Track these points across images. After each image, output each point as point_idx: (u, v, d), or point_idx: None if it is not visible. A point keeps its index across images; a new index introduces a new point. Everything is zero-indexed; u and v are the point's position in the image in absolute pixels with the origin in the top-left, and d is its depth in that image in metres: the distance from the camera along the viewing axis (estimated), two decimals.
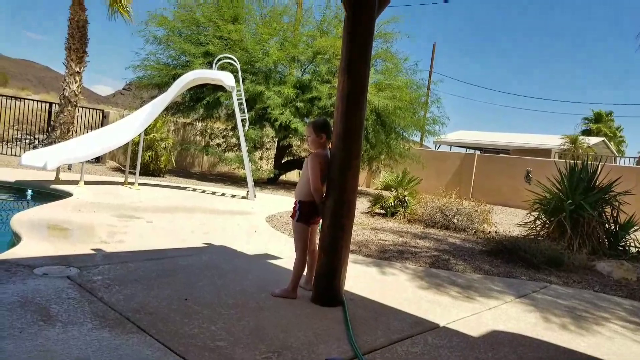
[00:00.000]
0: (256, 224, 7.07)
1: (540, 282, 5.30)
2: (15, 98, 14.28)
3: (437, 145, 26.67)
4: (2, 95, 13.84)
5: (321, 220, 3.75)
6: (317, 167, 3.67)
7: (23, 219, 5.28)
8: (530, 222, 8.16)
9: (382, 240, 6.81)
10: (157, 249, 4.79)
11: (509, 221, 11.16)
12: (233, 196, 10.30)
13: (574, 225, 7.29)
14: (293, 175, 17.44)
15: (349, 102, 3.64)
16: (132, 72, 13.55)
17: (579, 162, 8.13)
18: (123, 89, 58.94)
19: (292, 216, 3.84)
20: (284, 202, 10.05)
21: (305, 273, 3.89)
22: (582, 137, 25.33)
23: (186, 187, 10.93)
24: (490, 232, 8.52)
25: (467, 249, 6.88)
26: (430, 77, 26.18)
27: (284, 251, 5.22)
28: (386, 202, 9.34)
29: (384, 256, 5.72)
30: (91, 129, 13.88)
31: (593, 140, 26.19)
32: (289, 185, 14.55)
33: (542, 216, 8.00)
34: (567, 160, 12.38)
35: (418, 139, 20.55)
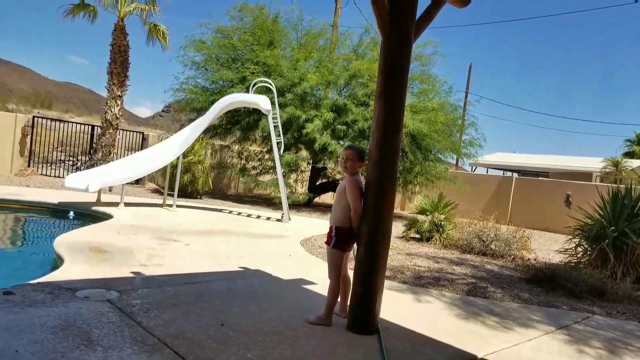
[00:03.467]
0: (291, 248, 7.07)
1: (582, 313, 5.06)
2: (59, 120, 14.95)
3: (474, 168, 26.21)
4: (46, 118, 14.52)
5: (355, 246, 3.72)
6: (357, 191, 3.65)
7: (65, 241, 5.46)
8: (571, 248, 7.85)
9: (418, 266, 6.68)
10: (195, 272, 4.85)
11: (549, 247, 10.77)
12: (268, 219, 10.37)
13: (617, 253, 6.97)
14: (327, 198, 17.45)
15: (385, 128, 3.63)
16: (171, 95, 13.98)
17: (622, 186, 7.81)
18: (162, 110, 60.85)
19: (327, 242, 3.81)
20: (318, 225, 10.04)
21: (340, 300, 3.85)
22: (624, 160, 24.36)
23: (222, 210, 11.09)
24: (529, 258, 8.24)
25: (505, 276, 6.66)
26: (466, 98, 25.96)
27: (318, 276, 5.19)
28: (421, 226, 9.19)
29: (420, 283, 5.61)
30: (131, 151, 14.35)
31: (636, 163, 25.15)
32: (324, 208, 14.55)
33: (584, 243, 7.69)
34: (610, 185, 11.91)
35: (454, 162, 20.28)
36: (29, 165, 12.97)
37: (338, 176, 15.52)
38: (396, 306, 4.43)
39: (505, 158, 29.46)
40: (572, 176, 20.84)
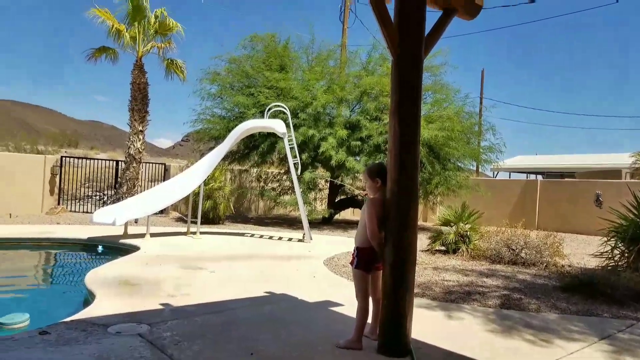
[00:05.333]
0: (315, 269, 7.05)
1: (626, 320, 4.87)
2: (85, 158, 15.37)
3: (495, 173, 25.83)
4: (73, 157, 14.95)
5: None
6: (373, 214, 3.63)
7: (96, 277, 5.56)
8: (606, 251, 7.58)
9: (446, 280, 6.56)
10: (221, 300, 4.87)
11: (582, 251, 10.46)
12: (290, 239, 10.38)
13: None
14: (347, 214, 17.40)
15: (401, 145, 3.62)
16: (189, 126, 14.27)
17: None
18: (182, 140, 62.09)
19: (351, 263, 3.79)
20: (341, 243, 10.00)
21: (370, 321, 3.80)
22: None
23: (244, 233, 11.15)
24: (563, 265, 8.01)
25: (539, 285, 6.48)
26: (481, 103, 25.70)
27: (345, 297, 5.14)
28: (446, 238, 9.05)
29: (450, 298, 5.50)
30: (154, 182, 14.63)
31: None
32: (345, 224, 14.50)
33: (620, 245, 7.43)
34: None
35: (474, 168, 20.03)
36: (58, 203, 13.32)
37: (357, 191, 15.50)
38: (427, 324, 4.35)
39: (528, 161, 28.99)
40: (599, 174, 20.32)
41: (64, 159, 13.89)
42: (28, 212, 12.41)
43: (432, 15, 3.87)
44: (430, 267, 7.53)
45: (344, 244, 9.96)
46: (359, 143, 12.68)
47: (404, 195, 3.57)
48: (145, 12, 13.37)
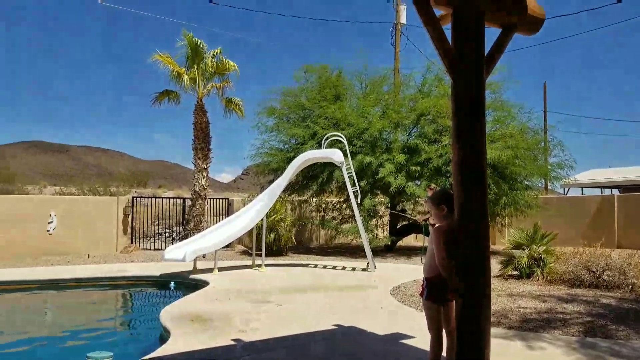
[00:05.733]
0: (382, 299, 6.92)
1: None
2: (154, 197, 16.20)
3: (566, 190, 24.45)
4: (142, 197, 15.81)
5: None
6: (441, 242, 3.53)
7: (170, 313, 5.76)
8: None
9: (522, 307, 6.21)
10: (290, 334, 4.88)
11: None
12: (354, 269, 10.29)
13: None
14: (410, 240, 17.04)
15: (466, 169, 3.52)
16: (250, 160, 14.71)
17: None
18: (242, 174, 64.04)
19: (421, 294, 3.69)
20: (406, 271, 9.78)
21: (445, 355, 3.65)
22: None
23: (308, 264, 11.19)
24: None
25: (625, 309, 5.98)
26: (545, 118, 24.67)
27: (415, 328, 4.99)
28: (519, 262, 8.59)
29: (528, 326, 5.19)
30: (219, 217, 15.10)
31: None
32: (407, 251, 14.19)
33: None
34: None
35: (543, 186, 19.10)
36: (131, 242, 14.04)
37: (418, 216, 15.18)
38: (506, 356, 4.12)
39: (601, 174, 27.22)
40: None
41: (134, 199, 14.70)
42: (104, 251, 13.17)
43: (492, 32, 3.77)
44: (504, 294, 7.17)
45: (409, 272, 9.73)
46: (418, 168, 12.49)
47: (472, 221, 3.45)
48: (203, 55, 14.11)
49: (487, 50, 3.69)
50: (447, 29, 3.73)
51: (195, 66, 14.10)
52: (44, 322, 7.08)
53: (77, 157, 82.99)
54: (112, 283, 9.02)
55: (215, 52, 14.35)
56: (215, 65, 14.35)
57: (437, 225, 3.68)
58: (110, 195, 18.80)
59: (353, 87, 14.60)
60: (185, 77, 13.94)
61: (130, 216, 14.11)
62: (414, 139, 13.09)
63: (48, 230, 12.42)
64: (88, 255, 12.40)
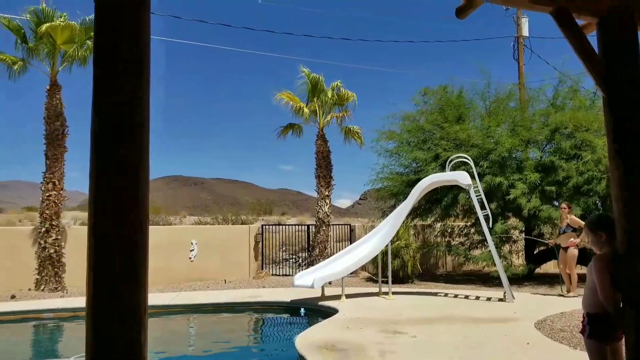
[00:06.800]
0: (526, 334, 6.31)
1: None
2: (280, 224, 16.97)
3: None
4: (269, 224, 16.67)
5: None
6: (603, 272, 3.11)
7: (305, 341, 5.87)
8: None
9: None
10: None
11: None
12: (488, 299, 9.61)
13: None
14: (549, 267, 15.50)
15: (628, 191, 3.08)
16: (370, 185, 14.74)
17: None
18: (360, 199, 64.64)
19: (582, 332, 3.28)
20: (549, 303, 8.87)
21: None
22: None
23: (437, 293, 10.72)
24: None
25: None
26: None
27: None
28: None
29: None
30: (341, 242, 15.29)
31: None
32: (549, 279, 12.90)
33: None
34: None
35: None
36: (262, 268, 14.80)
37: (551, 240, 13.83)
38: None
39: None
40: None
41: (263, 226, 15.55)
42: (238, 277, 14.03)
43: None
44: None
45: (552, 303, 8.83)
46: (554, 187, 11.47)
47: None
48: (323, 88, 14.73)
49: None
50: (591, 37, 3.38)
51: (315, 99, 14.74)
52: (187, 343, 7.69)
53: (211, 189, 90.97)
54: (247, 308, 9.53)
55: (335, 85, 14.91)
56: (335, 97, 14.85)
57: (598, 255, 3.26)
58: (242, 224, 20.12)
59: (476, 106, 14.03)
60: (306, 110, 14.62)
61: (260, 243, 14.92)
62: (549, 156, 12.09)
63: (190, 258, 13.64)
64: (225, 280, 13.31)
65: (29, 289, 11.30)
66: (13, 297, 10.37)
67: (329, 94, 14.79)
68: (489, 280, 12.54)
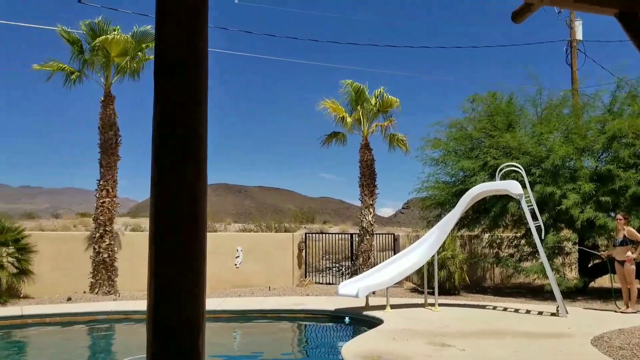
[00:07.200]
0: (582, 351, 6.01)
1: None
2: (323, 233, 16.99)
3: None
4: (312, 232, 16.71)
5: None
6: None
7: (351, 351, 5.84)
8: None
9: None
10: None
11: None
12: (540, 313, 9.22)
13: None
14: (604, 281, 14.71)
15: None
16: (415, 194, 14.47)
17: None
18: (402, 208, 63.91)
19: None
20: (605, 318, 8.42)
21: None
22: None
23: (485, 305, 10.40)
24: None
25: None
26: None
27: None
28: None
29: None
30: (385, 252, 15.13)
31: None
32: (604, 294, 12.24)
33: None
34: None
35: None
36: (305, 276, 14.84)
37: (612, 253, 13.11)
38: None
39: None
40: None
41: (306, 235, 15.61)
42: (282, 284, 14.12)
43: None
44: None
45: (609, 318, 8.39)
46: (610, 198, 10.93)
47: None
48: (366, 97, 14.67)
49: None
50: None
51: (358, 107, 14.72)
52: (235, 348, 7.79)
53: (254, 197, 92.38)
54: (292, 316, 9.56)
55: (379, 92, 14.82)
56: (379, 104, 14.76)
57: None
58: (285, 232, 20.28)
59: (527, 113, 13.59)
60: (349, 120, 14.62)
61: (303, 251, 14.97)
62: (606, 165, 11.54)
63: (235, 264, 13.86)
64: (269, 287, 13.42)
65: (84, 292, 11.80)
66: (69, 299, 10.87)
67: (373, 102, 14.73)
68: (539, 293, 12.05)
